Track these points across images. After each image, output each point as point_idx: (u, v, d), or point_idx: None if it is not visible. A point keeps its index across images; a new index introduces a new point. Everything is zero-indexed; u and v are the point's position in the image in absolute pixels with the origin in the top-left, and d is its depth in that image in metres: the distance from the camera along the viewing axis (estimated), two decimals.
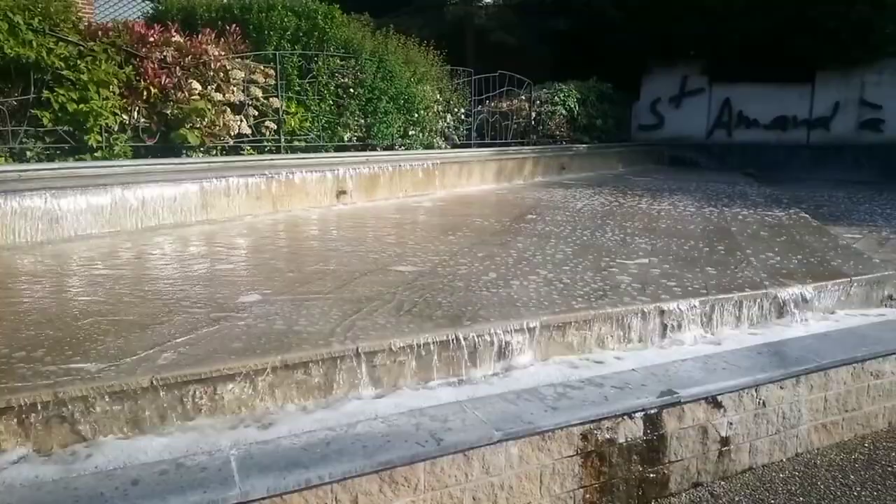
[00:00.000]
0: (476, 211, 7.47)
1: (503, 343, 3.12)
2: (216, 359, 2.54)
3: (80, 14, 6.31)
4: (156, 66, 6.09)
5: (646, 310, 3.50)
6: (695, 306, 3.62)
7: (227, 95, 6.63)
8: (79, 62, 5.54)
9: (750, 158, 14.27)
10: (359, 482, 2.12)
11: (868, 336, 3.64)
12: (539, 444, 2.48)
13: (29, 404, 2.21)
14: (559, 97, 12.77)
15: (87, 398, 2.28)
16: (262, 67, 7.11)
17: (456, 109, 10.48)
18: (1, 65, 5.21)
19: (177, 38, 6.57)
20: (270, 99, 7.07)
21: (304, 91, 7.46)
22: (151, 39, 6.31)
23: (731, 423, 2.91)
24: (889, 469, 2.97)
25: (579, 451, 2.56)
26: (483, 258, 4.58)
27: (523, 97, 12.14)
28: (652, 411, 2.70)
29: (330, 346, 2.71)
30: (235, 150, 6.78)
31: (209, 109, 6.33)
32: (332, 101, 7.81)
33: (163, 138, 6.22)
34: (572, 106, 12.92)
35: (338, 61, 7.87)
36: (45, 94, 5.40)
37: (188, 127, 6.22)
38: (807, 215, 7.28)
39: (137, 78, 6.00)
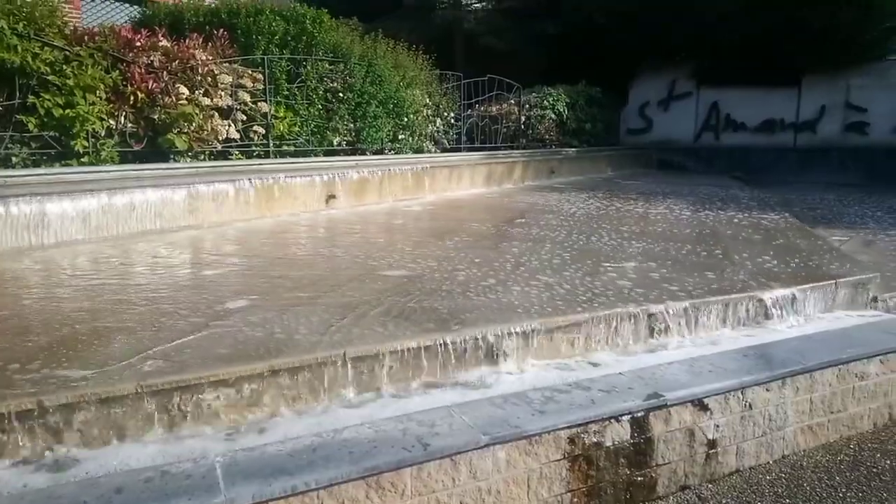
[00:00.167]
0: (466, 215, 7.48)
1: (491, 347, 3.13)
2: (202, 365, 2.53)
3: (65, 19, 6.26)
4: (143, 70, 6.06)
5: (633, 313, 3.52)
6: (681, 309, 3.64)
7: (215, 100, 6.61)
8: (65, 67, 5.50)
9: (737, 162, 14.39)
10: (345, 488, 2.11)
11: (853, 338, 3.67)
12: (526, 449, 2.48)
13: (13, 412, 2.18)
14: (548, 101, 12.83)
15: (72, 406, 2.27)
16: (250, 72, 7.10)
17: (445, 113, 10.50)
18: None
19: (164, 42, 6.54)
20: (259, 103, 7.05)
21: (293, 95, 7.45)
22: (138, 44, 6.28)
23: (717, 426, 2.93)
24: (874, 470, 2.99)
25: (567, 455, 2.56)
26: (472, 262, 4.59)
27: (513, 101, 12.18)
28: (639, 414, 2.71)
29: (317, 351, 2.70)
30: (224, 155, 6.75)
31: (197, 114, 6.31)
32: (321, 105, 7.80)
33: (150, 143, 6.19)
34: (561, 110, 12.98)
35: (326, 66, 7.86)
36: (31, 99, 5.35)
37: (176, 132, 6.19)
38: (794, 218, 7.35)
39: (124, 83, 5.97)
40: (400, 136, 9.18)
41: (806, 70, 13.83)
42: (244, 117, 6.92)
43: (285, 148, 7.41)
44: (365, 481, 2.15)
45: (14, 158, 5.34)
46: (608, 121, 15.03)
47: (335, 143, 8.06)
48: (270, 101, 7.14)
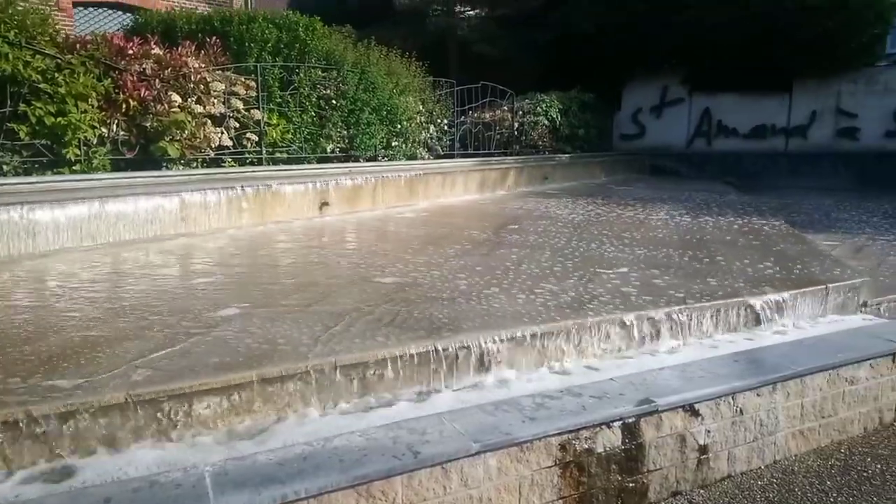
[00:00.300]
0: (459, 221, 7.49)
1: (483, 354, 3.13)
2: (192, 374, 2.52)
3: (58, 27, 6.26)
4: (135, 78, 6.06)
5: (624, 319, 3.53)
6: (672, 314, 3.66)
7: (207, 108, 6.61)
8: (56, 75, 5.49)
9: (729, 167, 14.48)
10: (335, 497, 2.11)
11: (843, 343, 3.68)
12: (517, 456, 2.48)
13: (2, 423, 2.17)
14: (541, 108, 12.87)
15: (61, 416, 2.25)
16: (242, 79, 7.11)
17: (439, 120, 10.52)
18: None
19: (156, 50, 6.54)
20: (252, 111, 7.06)
21: (286, 103, 7.46)
22: (131, 52, 6.28)
23: (708, 431, 2.93)
24: (864, 474, 3.00)
25: (558, 462, 2.56)
26: (465, 269, 4.59)
27: (506, 108, 12.22)
28: (630, 420, 2.71)
29: (308, 359, 2.70)
30: (216, 163, 6.75)
31: (189, 122, 6.31)
32: (314, 112, 7.81)
33: (142, 151, 6.18)
34: (554, 116, 13.03)
35: (319, 73, 7.88)
36: (22, 107, 5.34)
37: (168, 139, 6.18)
38: (785, 223, 7.38)
39: (116, 91, 5.97)
40: (393, 143, 9.20)
41: (797, 76, 13.95)
42: (237, 125, 6.93)
43: (278, 155, 7.41)
44: (355, 490, 2.14)
45: (5, 167, 5.33)
46: (601, 127, 15.10)
47: (328, 150, 8.07)
48: (263, 108, 7.15)
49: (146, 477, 2.11)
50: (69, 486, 2.12)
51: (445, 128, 10.68)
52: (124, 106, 5.97)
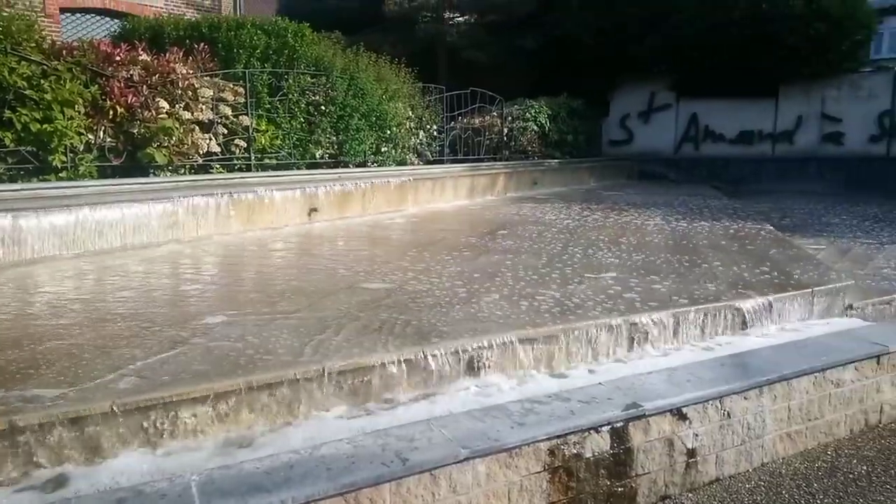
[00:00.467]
0: (448, 227, 7.50)
1: (471, 359, 3.13)
2: (178, 382, 2.50)
3: (44, 33, 6.23)
4: (122, 85, 6.04)
5: (612, 323, 3.54)
6: (660, 319, 3.67)
7: (195, 114, 6.59)
8: (42, 82, 5.46)
9: (717, 172, 14.60)
10: None
11: (829, 345, 3.71)
12: (506, 461, 2.48)
13: None
14: (530, 113, 12.94)
15: (44, 425, 2.23)
16: (231, 85, 7.09)
17: (428, 126, 10.55)
18: None
19: (144, 56, 6.52)
20: (240, 117, 7.04)
21: (275, 109, 7.45)
22: (118, 58, 6.26)
23: (696, 435, 2.95)
24: (850, 476, 3.03)
25: (547, 467, 2.56)
26: (453, 274, 4.60)
27: (495, 113, 12.28)
28: (618, 425, 2.72)
29: (295, 366, 2.69)
30: (204, 169, 6.73)
31: (177, 128, 6.28)
32: (303, 118, 7.80)
33: (130, 158, 6.15)
34: (543, 122, 13.10)
35: (308, 79, 7.88)
36: (7, 113, 5.30)
37: (155, 146, 6.16)
38: (772, 227, 7.44)
39: (103, 97, 5.94)
40: (383, 149, 9.20)
41: (782, 82, 14.10)
42: (225, 131, 6.91)
43: (267, 161, 7.40)
44: (343, 498, 2.13)
45: None
46: (590, 132, 15.19)
47: (318, 156, 8.06)
48: (252, 114, 7.14)
49: (132, 487, 2.10)
50: (59, 496, 2.09)
51: (435, 133, 10.71)
52: (111, 112, 5.94)
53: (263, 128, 7.32)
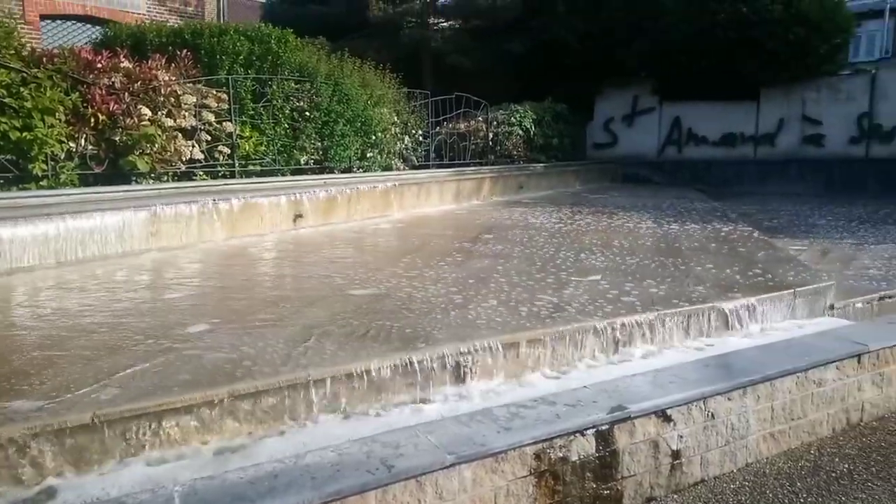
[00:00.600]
0: (434, 232, 7.50)
1: (458, 364, 3.13)
2: (161, 392, 2.48)
3: (24, 40, 6.17)
4: (104, 92, 5.99)
5: (598, 326, 3.56)
6: (645, 321, 3.70)
7: (178, 121, 6.55)
8: (22, 89, 5.41)
9: (700, 174, 14.73)
10: None
11: (811, 345, 3.75)
12: (492, 466, 2.48)
13: None
14: (515, 118, 12.99)
15: (22, 438, 2.20)
16: (214, 92, 7.06)
17: (414, 131, 10.56)
18: None
19: (126, 63, 6.48)
20: (223, 123, 7.01)
21: (259, 115, 7.42)
22: (99, 65, 6.21)
23: (681, 437, 2.96)
24: (833, 474, 3.06)
25: (533, 471, 2.57)
26: (439, 279, 4.60)
27: (480, 118, 12.31)
28: (603, 427, 2.73)
29: (280, 375, 2.67)
30: (188, 176, 6.69)
31: (159, 135, 6.24)
32: (288, 124, 7.78)
33: (111, 165, 6.10)
34: (528, 126, 13.15)
35: (292, 85, 7.86)
36: None
37: (138, 153, 6.11)
38: (754, 229, 7.52)
39: (84, 105, 5.89)
40: (368, 154, 9.20)
41: (763, 85, 14.26)
42: (208, 137, 6.87)
43: (251, 168, 7.36)
44: None
45: None
46: (574, 136, 15.27)
47: (302, 162, 8.04)
48: (235, 120, 7.10)
49: (114, 498, 2.07)
50: None
51: (420, 139, 10.72)
52: (93, 120, 5.89)
53: (247, 134, 7.29)
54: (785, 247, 6.49)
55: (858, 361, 3.63)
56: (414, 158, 10.52)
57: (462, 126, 11.88)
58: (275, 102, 7.57)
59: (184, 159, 6.59)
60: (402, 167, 10.08)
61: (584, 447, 2.69)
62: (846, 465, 3.14)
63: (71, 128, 5.76)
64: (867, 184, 13.35)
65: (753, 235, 7.01)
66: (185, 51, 7.20)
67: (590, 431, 2.70)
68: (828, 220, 9.10)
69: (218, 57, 7.44)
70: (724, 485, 3.01)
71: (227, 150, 7.05)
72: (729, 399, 3.13)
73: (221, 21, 11.67)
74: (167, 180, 6.47)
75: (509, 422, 2.65)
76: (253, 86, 7.41)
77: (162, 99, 6.47)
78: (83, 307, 3.86)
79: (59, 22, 11.39)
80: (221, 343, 3.08)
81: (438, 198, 9.87)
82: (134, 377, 2.64)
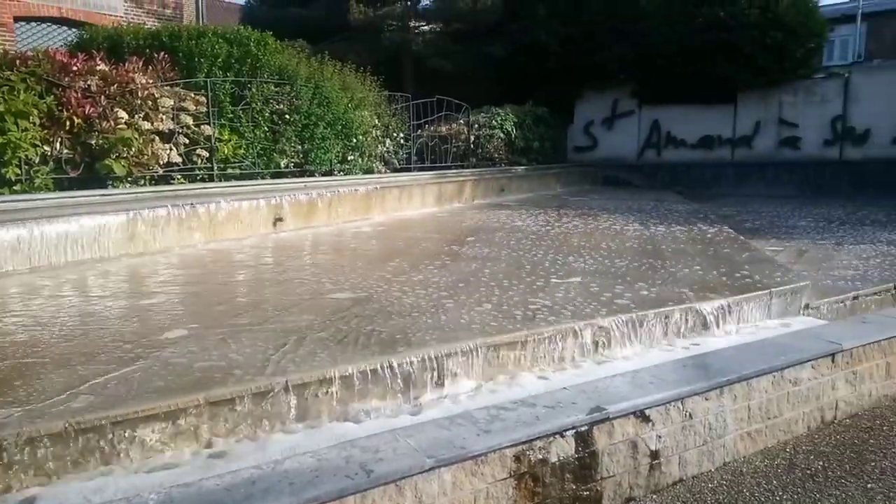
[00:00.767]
0: (416, 235, 7.49)
1: (438, 368, 3.13)
2: (136, 399, 2.45)
3: None
4: (79, 95, 5.91)
5: (577, 328, 3.58)
6: (624, 322, 3.73)
7: (155, 124, 6.48)
8: None
9: (679, 177, 14.91)
10: None
11: (787, 345, 3.81)
12: (472, 469, 2.48)
13: None
14: (497, 121, 13.04)
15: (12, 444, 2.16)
16: (192, 95, 6.99)
17: (395, 134, 10.55)
18: None
19: (102, 66, 6.40)
20: (202, 126, 6.94)
21: (238, 118, 7.36)
22: (75, 68, 6.12)
23: (659, 437, 2.99)
24: (808, 472, 3.10)
25: (512, 473, 2.57)
26: (421, 282, 4.59)
27: (462, 121, 12.34)
28: (582, 429, 2.74)
29: (258, 380, 2.65)
30: (165, 180, 6.61)
31: (136, 139, 6.17)
32: (268, 127, 7.73)
33: (87, 169, 6.01)
34: (510, 129, 13.21)
35: (272, 88, 7.81)
36: None
37: (114, 157, 6.03)
38: (732, 230, 7.62)
39: (60, 108, 5.80)
40: (349, 157, 9.17)
41: (740, 88, 14.46)
42: (186, 141, 6.80)
43: (230, 171, 7.30)
44: None
45: None
46: (555, 139, 15.37)
47: (282, 166, 7.99)
48: (214, 123, 7.04)
49: None
50: None
51: (402, 141, 10.71)
52: (68, 123, 5.80)
53: (226, 137, 7.23)
54: (762, 248, 6.57)
55: (833, 360, 3.69)
56: (395, 161, 10.51)
57: (443, 129, 11.90)
58: (254, 105, 7.52)
59: (161, 163, 6.52)
60: (383, 170, 10.07)
61: (564, 448, 2.70)
62: (821, 463, 3.19)
63: (46, 131, 5.67)
64: (841, 186, 13.60)
65: (731, 236, 7.10)
66: (162, 53, 7.13)
67: (569, 433, 2.71)
68: (803, 221, 9.25)
69: (196, 59, 7.37)
70: (703, 484, 3.04)
71: (205, 154, 6.98)
72: (706, 399, 3.16)
73: (200, 23, 11.56)
74: (144, 184, 6.39)
75: (489, 424, 2.65)
76: (232, 88, 7.35)
77: (139, 102, 6.39)
78: (57, 313, 3.80)
79: (33, 24, 11.22)
80: (199, 348, 3.05)
81: (420, 201, 9.87)
82: (109, 384, 2.60)
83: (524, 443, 2.60)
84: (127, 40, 7.79)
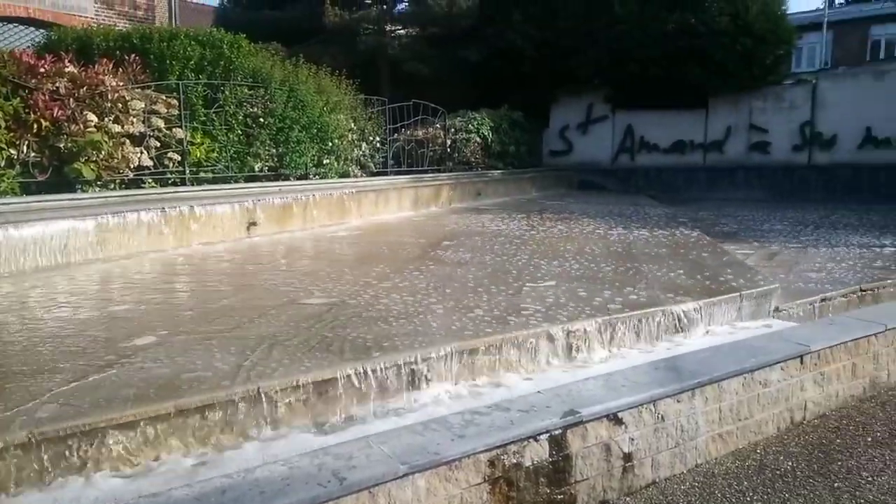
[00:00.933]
0: (392, 239, 7.47)
1: (413, 373, 3.12)
2: (104, 408, 2.40)
3: None
4: (47, 97, 5.78)
5: (551, 331, 3.60)
6: (597, 326, 3.75)
7: (126, 127, 6.37)
8: None
9: (652, 181, 15.12)
10: None
11: (757, 347, 3.86)
12: (446, 475, 2.47)
13: None
14: (473, 125, 13.09)
15: None
16: (164, 97, 6.89)
17: (371, 138, 10.52)
18: None
19: (70, 68, 6.26)
20: (174, 129, 6.84)
21: (211, 121, 7.27)
22: (42, 70, 5.99)
23: (632, 439, 3.01)
24: (777, 472, 3.15)
25: (487, 479, 2.57)
26: (396, 288, 4.57)
27: (438, 125, 12.36)
28: (556, 432, 2.75)
29: (229, 388, 2.61)
30: (136, 184, 6.50)
31: (106, 142, 6.05)
32: (241, 130, 7.65)
33: (56, 173, 5.88)
34: (486, 133, 13.26)
35: (246, 90, 7.73)
36: None
37: (83, 161, 5.91)
38: (704, 234, 7.73)
39: (27, 110, 5.67)
40: (325, 161, 9.11)
41: (711, 94, 14.73)
42: (158, 144, 6.70)
43: (203, 175, 7.21)
44: None
45: None
46: (531, 143, 15.48)
47: (257, 169, 7.91)
48: (186, 126, 6.94)
49: None
50: None
51: (378, 145, 10.68)
52: (35, 126, 5.67)
53: (199, 140, 7.14)
54: (733, 251, 6.68)
55: (801, 362, 3.76)
56: (372, 165, 10.48)
57: (420, 133, 11.90)
58: (227, 108, 7.44)
59: (132, 166, 6.41)
60: (359, 174, 10.03)
61: (538, 452, 2.70)
62: (790, 463, 3.25)
63: (12, 134, 5.54)
64: (810, 190, 13.91)
65: (703, 240, 7.21)
66: (133, 55, 7.01)
67: (543, 437, 2.72)
68: (773, 225, 9.43)
69: (168, 62, 7.27)
70: (675, 486, 3.07)
71: (177, 157, 6.88)
72: (678, 401, 3.20)
73: (172, 25, 11.41)
74: (114, 188, 6.28)
75: (463, 429, 2.65)
76: (204, 91, 7.26)
77: (109, 105, 6.27)
78: (22, 320, 3.71)
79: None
80: (168, 356, 2.99)
81: (397, 204, 9.85)
82: (76, 393, 2.54)
83: (498, 447, 2.60)
84: (97, 42, 7.66)
